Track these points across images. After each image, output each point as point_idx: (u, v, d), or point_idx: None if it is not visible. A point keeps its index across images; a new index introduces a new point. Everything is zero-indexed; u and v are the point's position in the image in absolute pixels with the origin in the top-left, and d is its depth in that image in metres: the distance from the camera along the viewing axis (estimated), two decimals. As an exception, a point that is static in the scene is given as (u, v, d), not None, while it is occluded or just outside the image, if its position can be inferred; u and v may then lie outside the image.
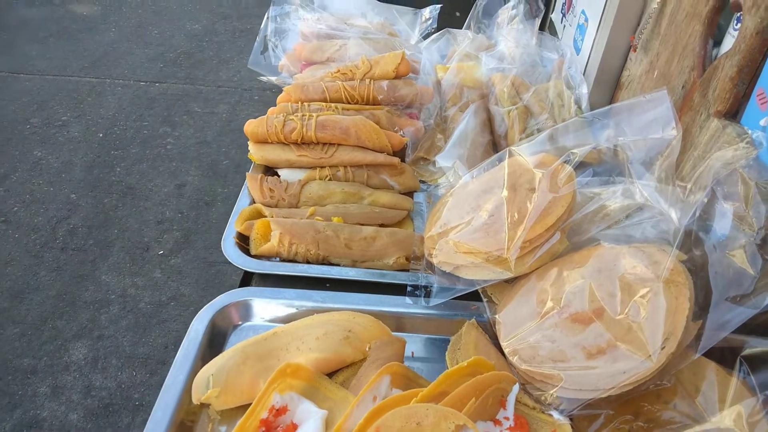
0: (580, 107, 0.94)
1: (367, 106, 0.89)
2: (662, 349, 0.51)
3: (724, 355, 0.53)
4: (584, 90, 0.94)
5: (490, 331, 0.67)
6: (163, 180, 2.53)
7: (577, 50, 1.03)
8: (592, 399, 0.52)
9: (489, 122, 0.95)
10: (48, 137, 2.68)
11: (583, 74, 0.97)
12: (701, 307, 0.55)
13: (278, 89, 1.02)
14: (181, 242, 2.25)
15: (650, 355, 0.51)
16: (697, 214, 0.56)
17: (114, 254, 2.17)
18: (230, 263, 0.75)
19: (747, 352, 0.50)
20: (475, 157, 0.87)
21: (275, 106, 0.91)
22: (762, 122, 0.57)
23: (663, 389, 0.55)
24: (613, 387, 0.51)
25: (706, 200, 0.55)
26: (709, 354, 0.54)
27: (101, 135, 2.73)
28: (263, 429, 0.52)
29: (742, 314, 0.51)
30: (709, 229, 0.57)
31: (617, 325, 0.55)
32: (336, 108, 0.86)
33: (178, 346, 0.61)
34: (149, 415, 0.55)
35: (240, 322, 0.68)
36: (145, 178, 2.52)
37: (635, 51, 0.87)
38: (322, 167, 0.83)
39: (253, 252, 0.74)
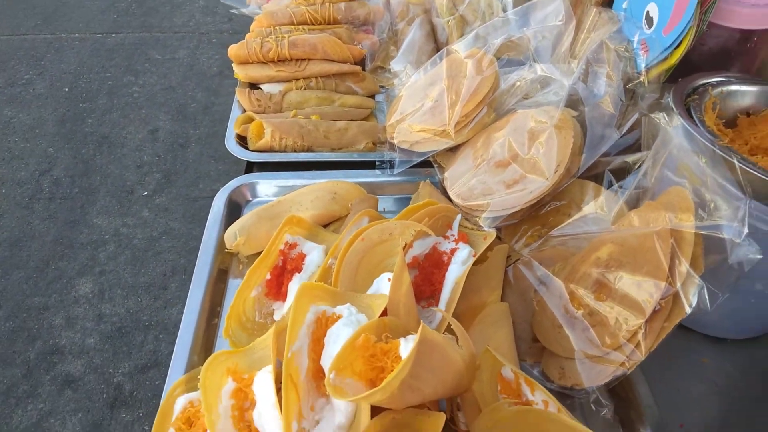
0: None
1: (329, 26, 1.06)
2: (555, 172, 0.73)
3: (600, 177, 0.76)
4: (509, -1, 1.12)
5: (440, 188, 0.88)
6: (136, 127, 2.64)
7: (503, -35, 1.20)
8: (510, 213, 0.74)
9: (432, 32, 1.14)
10: (15, 96, 2.73)
11: (508, -15, 1.15)
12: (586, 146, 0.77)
13: (235, 31, 1.15)
14: (163, 183, 2.40)
15: (547, 178, 0.73)
16: (580, 78, 0.77)
17: (100, 199, 2.31)
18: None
19: (610, 166, 0.72)
20: (421, 62, 1.05)
21: (234, 47, 1.05)
22: (624, 5, 0.77)
23: (562, 206, 0.78)
24: (525, 202, 0.74)
25: (584, 66, 0.76)
26: (593, 179, 0.77)
27: (67, 89, 2.79)
28: (281, 258, 0.73)
29: (608, 141, 0.73)
30: (591, 91, 0.79)
31: (526, 163, 0.76)
32: (303, 29, 1.03)
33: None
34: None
35: (250, 199, 0.88)
36: (117, 127, 2.63)
37: (545, -38, 1.05)
38: (297, 79, 1.01)
39: (251, 148, 0.93)
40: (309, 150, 0.93)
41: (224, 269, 0.79)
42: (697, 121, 0.62)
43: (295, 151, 0.93)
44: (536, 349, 0.68)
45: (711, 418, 0.67)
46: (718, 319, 0.73)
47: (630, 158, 0.69)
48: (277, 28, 1.04)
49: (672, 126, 0.60)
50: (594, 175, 0.77)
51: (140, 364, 1.79)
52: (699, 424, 0.66)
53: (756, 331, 0.74)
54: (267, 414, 0.52)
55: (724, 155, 0.56)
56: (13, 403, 1.69)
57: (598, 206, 0.68)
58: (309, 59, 1.01)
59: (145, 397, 1.74)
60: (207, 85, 2.86)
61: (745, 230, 0.52)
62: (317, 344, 0.55)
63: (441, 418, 0.51)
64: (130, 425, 1.66)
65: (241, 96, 0.98)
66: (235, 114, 0.99)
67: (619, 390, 0.66)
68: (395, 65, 1.03)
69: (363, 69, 1.08)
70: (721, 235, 0.52)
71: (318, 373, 0.55)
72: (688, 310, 0.55)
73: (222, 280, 0.78)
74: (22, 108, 2.68)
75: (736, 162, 0.54)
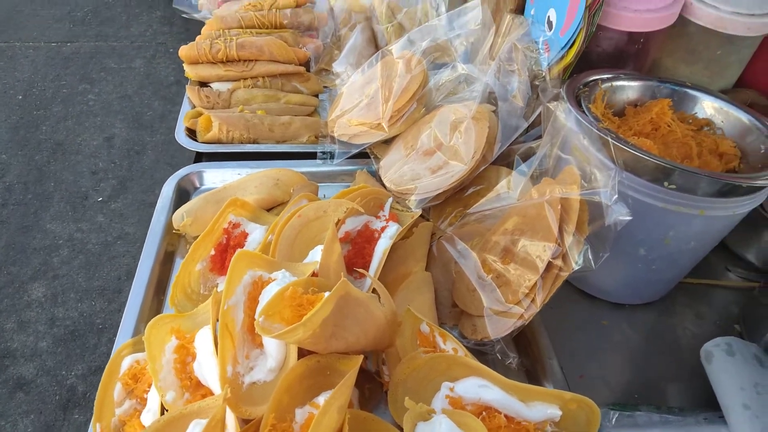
0: (440, 22, 1.22)
1: (276, 30, 1.14)
2: (473, 158, 0.82)
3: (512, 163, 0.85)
4: (443, 8, 1.22)
5: (377, 177, 0.96)
6: (91, 134, 2.64)
7: (438, -23, 1.30)
8: (435, 195, 0.83)
9: (373, 38, 1.22)
10: (-35, 103, 2.70)
11: (443, -5, 1.26)
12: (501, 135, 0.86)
13: (192, 41, 1.19)
14: (118, 189, 2.41)
15: (466, 163, 0.82)
16: (496, 76, 0.86)
17: (54, 205, 2.30)
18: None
19: (519, 152, 0.81)
20: (361, 65, 1.14)
21: (184, 48, 1.10)
22: (531, 12, 0.87)
23: (481, 189, 0.87)
24: (448, 185, 0.82)
25: (497, 66, 0.85)
26: (509, 166, 0.87)
27: (20, 97, 2.78)
28: (225, 236, 0.80)
29: (519, 130, 0.83)
30: (504, 87, 0.89)
31: (449, 150, 0.85)
32: (251, 32, 1.11)
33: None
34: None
35: (198, 186, 0.94)
36: (72, 134, 2.62)
37: (474, -25, 1.16)
38: (245, 78, 1.08)
39: (199, 140, 0.99)
40: (255, 142, 1.00)
41: (172, 251, 0.85)
42: (585, 109, 0.72)
43: (241, 143, 0.99)
44: (455, 313, 0.76)
45: (607, 370, 0.76)
46: (617, 287, 0.83)
47: (535, 144, 0.79)
48: (226, 30, 1.11)
49: (563, 112, 0.70)
50: (509, 162, 0.86)
51: (94, 366, 1.80)
52: (596, 375, 0.75)
53: (649, 297, 0.85)
54: (206, 362, 0.59)
55: (601, 135, 0.65)
56: (-39, 406, 1.67)
57: (508, 186, 0.77)
58: (256, 60, 1.08)
59: (99, 397, 1.74)
60: (164, 94, 2.89)
61: (616, 195, 0.61)
62: (253, 302, 0.62)
63: (359, 359, 0.58)
64: (83, 425, 1.67)
65: (191, 93, 1.04)
66: (185, 110, 1.05)
67: (526, 346, 0.75)
68: (337, 66, 1.12)
69: (308, 71, 1.16)
70: (597, 199, 0.62)
71: (253, 327, 0.61)
72: (575, 266, 0.64)
73: (169, 260, 0.84)
74: (-28, 115, 2.65)
75: (610, 140, 0.64)
